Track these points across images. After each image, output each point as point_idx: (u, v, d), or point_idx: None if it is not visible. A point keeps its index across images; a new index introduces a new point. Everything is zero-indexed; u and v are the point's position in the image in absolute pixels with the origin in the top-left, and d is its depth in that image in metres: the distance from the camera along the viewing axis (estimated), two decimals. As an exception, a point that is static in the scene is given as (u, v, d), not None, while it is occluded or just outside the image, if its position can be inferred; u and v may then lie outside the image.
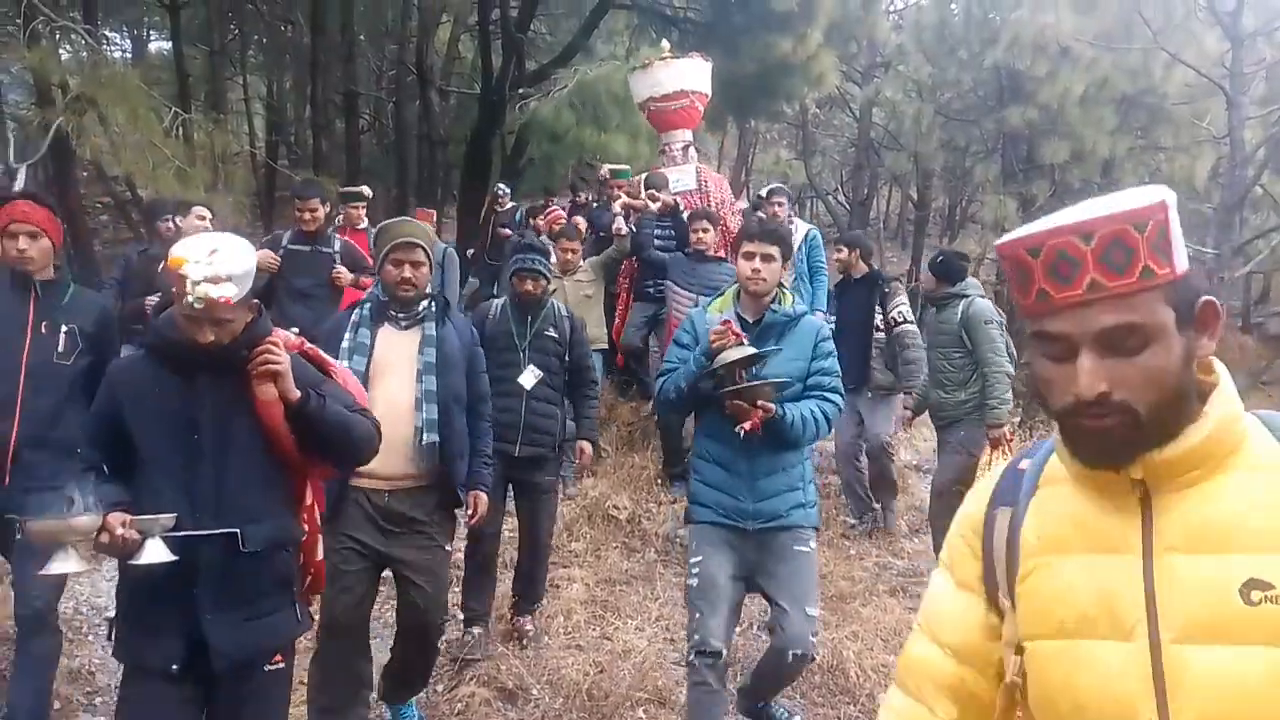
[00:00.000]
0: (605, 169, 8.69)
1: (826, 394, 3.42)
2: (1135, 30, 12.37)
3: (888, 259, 23.37)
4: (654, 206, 6.91)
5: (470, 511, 3.74)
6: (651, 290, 6.88)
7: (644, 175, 7.73)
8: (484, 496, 3.74)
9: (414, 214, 8.17)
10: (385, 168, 16.94)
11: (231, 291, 2.33)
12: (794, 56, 11.22)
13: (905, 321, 6.17)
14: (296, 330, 3.02)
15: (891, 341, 6.20)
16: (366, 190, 7.54)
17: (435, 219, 8.11)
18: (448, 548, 3.60)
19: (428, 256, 3.47)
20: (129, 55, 21.02)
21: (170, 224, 6.35)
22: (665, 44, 8.45)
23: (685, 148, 7.76)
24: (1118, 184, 14.83)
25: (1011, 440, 5.44)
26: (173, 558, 2.31)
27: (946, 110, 15.65)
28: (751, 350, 3.21)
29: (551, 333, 4.62)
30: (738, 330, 3.23)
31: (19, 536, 3.08)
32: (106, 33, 16.90)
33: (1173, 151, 13.90)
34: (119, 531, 2.27)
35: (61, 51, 8.56)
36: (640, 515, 6.11)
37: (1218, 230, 11.85)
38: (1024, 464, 1.32)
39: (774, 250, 3.39)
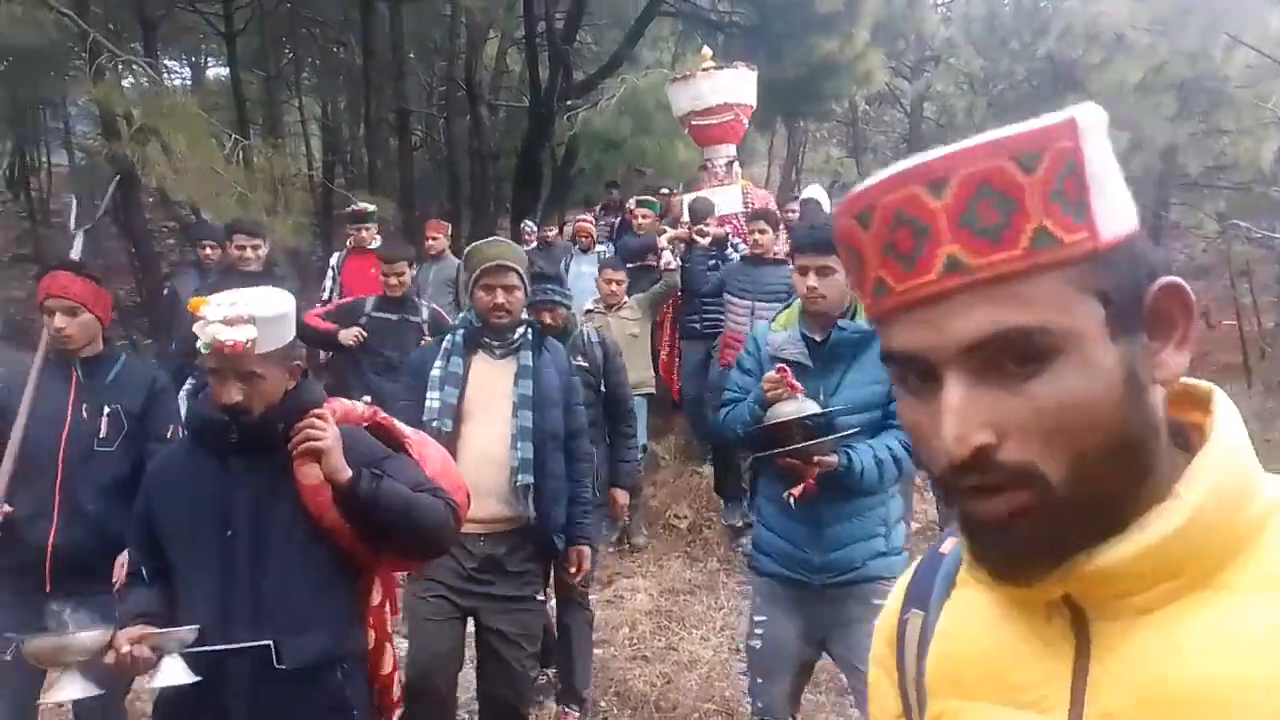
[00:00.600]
0: (633, 200, 8.29)
1: None
2: (1192, 13, 12.07)
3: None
4: (703, 241, 6.47)
5: (573, 569, 3.39)
6: (698, 326, 6.48)
7: (686, 197, 7.38)
8: (587, 551, 3.39)
9: (426, 226, 7.99)
10: (437, 183, 17.16)
11: (249, 335, 2.00)
12: (840, 56, 11.16)
13: None
14: (368, 399, 2.78)
15: None
16: (372, 208, 7.19)
17: (449, 231, 8.11)
18: (540, 597, 3.31)
19: (522, 280, 3.21)
20: (188, 83, 21.60)
21: (209, 250, 6.37)
22: (706, 51, 7.91)
23: (729, 164, 7.50)
24: (1180, 170, 14.52)
25: None
26: (193, 679, 1.98)
27: (999, 102, 15.40)
28: (809, 410, 2.76)
29: (581, 362, 4.20)
30: (793, 381, 2.78)
31: (6, 657, 2.57)
32: (166, 62, 17.39)
33: (1236, 135, 13.53)
34: (125, 649, 1.94)
35: (124, 83, 8.82)
36: (701, 524, 6.13)
37: (1287, 215, 11.49)
38: (946, 545, 0.89)
39: (830, 261, 2.86)
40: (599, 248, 8.21)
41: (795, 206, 7.80)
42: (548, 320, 4.29)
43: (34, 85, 15.03)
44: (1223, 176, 15.08)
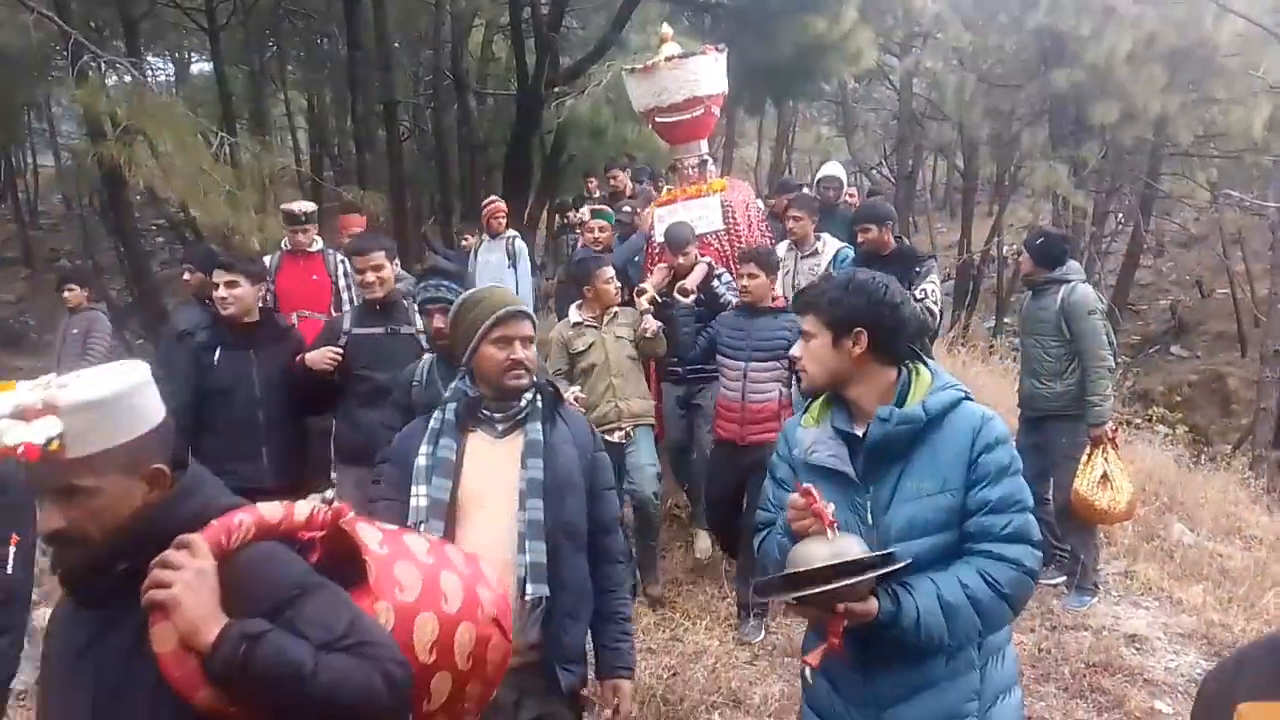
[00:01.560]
0: (586, 209, 7.49)
1: (999, 546, 2.04)
2: (1181, -18, 12.03)
3: (936, 230, 23.09)
4: (686, 300, 5.25)
5: (608, 712, 2.58)
6: (680, 370, 5.55)
7: (658, 212, 6.23)
8: (626, 687, 2.60)
9: (339, 220, 7.26)
10: (427, 174, 17.09)
11: (50, 433, 1.41)
12: (829, 35, 11.08)
13: (929, 299, 5.15)
14: (329, 496, 2.41)
15: None
16: (310, 206, 6.26)
17: (367, 223, 7.48)
18: None
19: (534, 325, 2.61)
20: (172, 78, 21.47)
21: (189, 274, 6.11)
22: (666, 30, 6.63)
23: (702, 163, 6.37)
24: (1171, 141, 14.49)
25: (1115, 437, 5.13)
26: None
27: (989, 77, 15.37)
28: (846, 554, 1.96)
29: None
30: (820, 508, 2.01)
31: None
32: (150, 59, 17.26)
33: (1227, 104, 13.51)
34: None
35: (108, 82, 8.75)
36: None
37: (1278, 183, 11.47)
38: None
39: (808, 324, 2.25)
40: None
41: (787, 198, 6.76)
42: (437, 324, 3.76)
43: (18, 87, 14.94)
44: (1214, 145, 15.07)
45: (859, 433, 2.15)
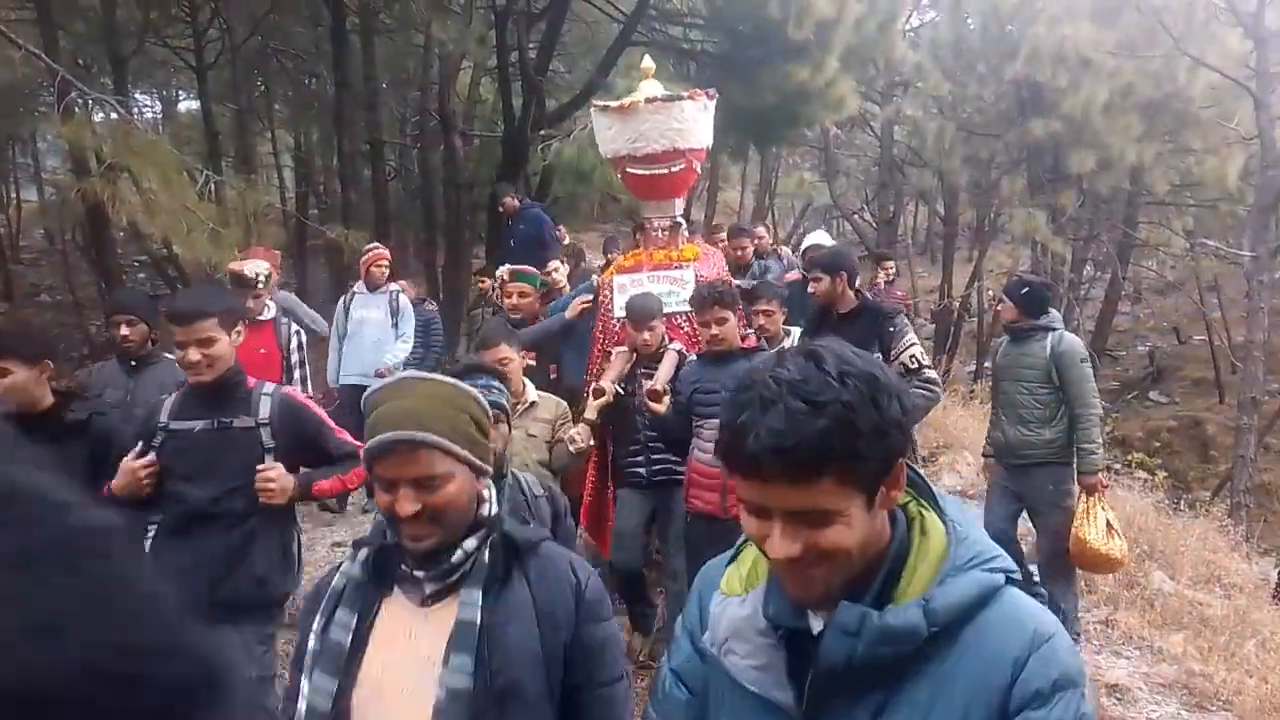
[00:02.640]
0: (505, 269, 6.32)
1: None
2: (1157, 36, 12.29)
3: (917, 274, 23.27)
4: (659, 410, 4.23)
5: None
6: (643, 472, 4.70)
7: (618, 282, 5.25)
8: None
9: (249, 251, 6.55)
10: (413, 213, 17.14)
11: None
12: (812, 83, 11.23)
13: (924, 366, 4.65)
14: None
15: None
16: (262, 266, 5.58)
17: (279, 260, 7.05)
18: None
19: (454, 454, 1.68)
20: (160, 116, 21.52)
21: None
22: (648, 65, 5.63)
23: (674, 226, 5.36)
24: (1148, 189, 14.72)
25: (1107, 487, 5.18)
26: None
27: (969, 125, 15.61)
28: None
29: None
30: None
31: None
32: (137, 95, 17.33)
33: (1202, 154, 13.78)
34: None
35: (95, 118, 8.77)
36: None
37: (1253, 232, 11.66)
38: None
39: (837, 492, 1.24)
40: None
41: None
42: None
43: (3, 122, 14.94)
44: (1189, 194, 15.33)
45: (814, 629, 1.25)
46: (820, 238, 7.47)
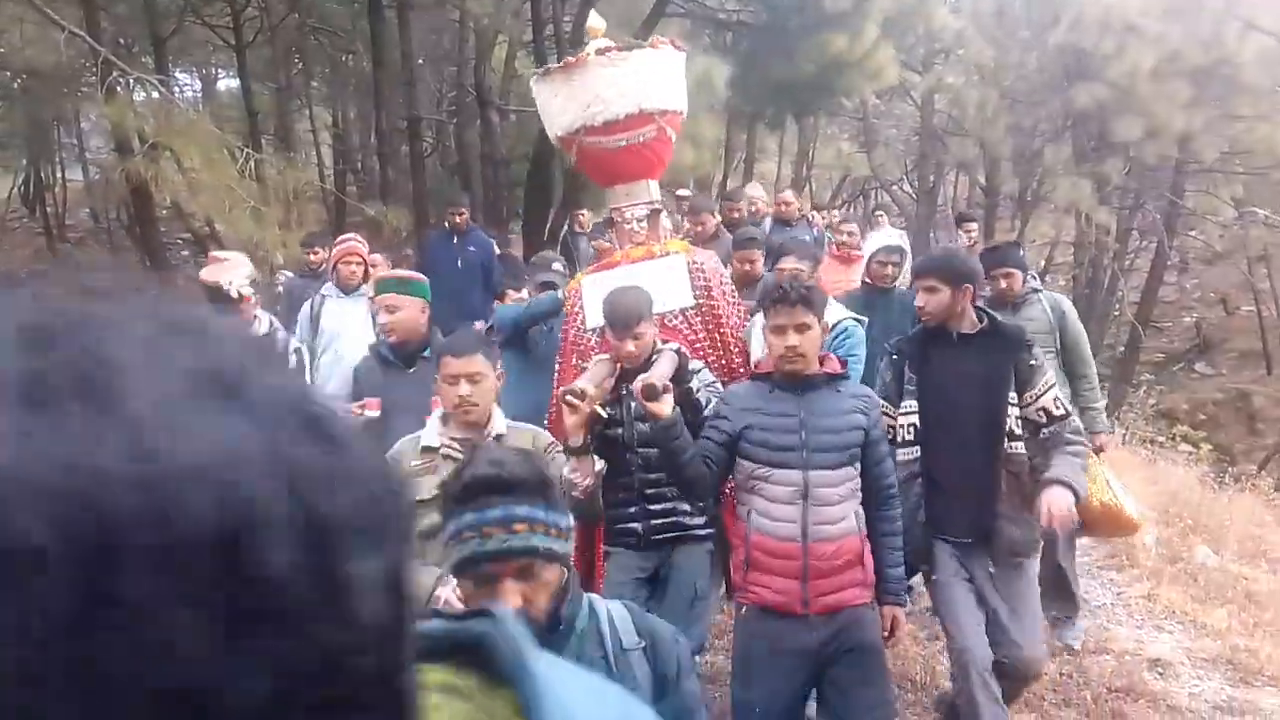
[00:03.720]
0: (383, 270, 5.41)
1: None
2: (1205, 0, 11.98)
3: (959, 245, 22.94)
4: (661, 413, 3.04)
5: None
6: (638, 526, 3.56)
7: (579, 287, 4.27)
8: None
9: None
10: (450, 190, 17.19)
11: None
12: (851, 52, 11.10)
13: (1065, 414, 3.47)
14: None
15: (1035, 449, 3.45)
16: (243, 271, 4.69)
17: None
18: None
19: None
20: (199, 95, 21.73)
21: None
22: (597, 24, 4.47)
23: (652, 214, 4.35)
24: (1196, 157, 14.40)
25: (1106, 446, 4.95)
26: None
27: (1011, 93, 15.34)
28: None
29: None
30: None
31: None
32: (177, 75, 17.50)
33: (1252, 121, 13.45)
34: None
35: (136, 98, 8.89)
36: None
37: (1305, 200, 11.38)
38: None
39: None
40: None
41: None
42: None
43: (48, 103, 15.16)
44: (1239, 162, 14.97)
45: None
46: (891, 238, 5.65)
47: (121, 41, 13.97)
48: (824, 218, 10.16)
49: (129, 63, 9.25)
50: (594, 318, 3.95)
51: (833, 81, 11.92)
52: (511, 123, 16.31)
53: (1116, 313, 17.33)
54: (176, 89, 14.57)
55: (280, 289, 7.12)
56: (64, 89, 14.35)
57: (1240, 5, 11.76)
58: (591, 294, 4.04)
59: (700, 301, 4.09)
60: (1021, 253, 5.34)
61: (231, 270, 4.46)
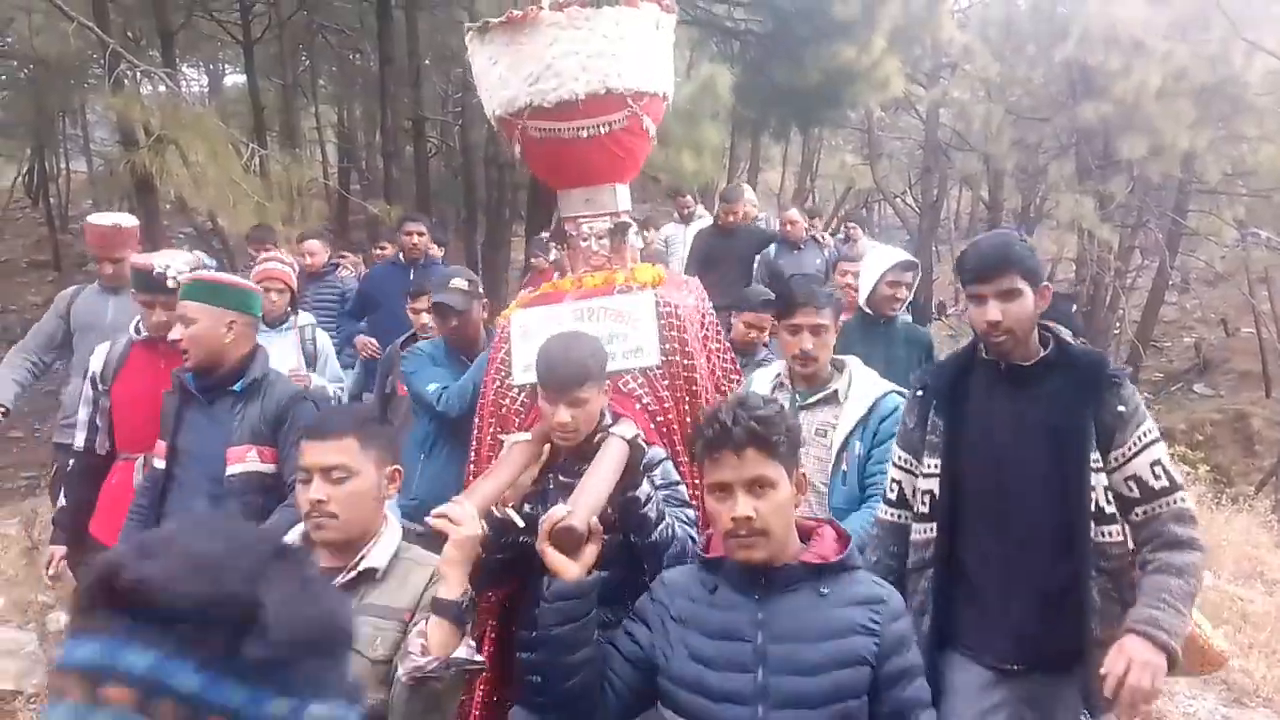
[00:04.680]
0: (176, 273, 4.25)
1: None
2: (1212, 19, 12.00)
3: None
4: (566, 567, 2.01)
5: None
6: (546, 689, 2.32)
7: (509, 324, 3.31)
8: None
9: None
10: (453, 190, 17.20)
11: None
12: (858, 63, 11.09)
13: (1171, 486, 2.40)
14: None
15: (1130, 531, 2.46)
16: (181, 258, 3.68)
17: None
18: None
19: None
20: (206, 89, 21.76)
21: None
22: None
23: (618, 229, 3.38)
24: (1199, 177, 14.41)
25: None
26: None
27: (1016, 108, 15.35)
28: None
29: None
30: None
31: None
32: (185, 69, 17.51)
33: (1257, 141, 13.45)
34: None
35: (143, 91, 8.88)
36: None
37: (1308, 222, 11.39)
38: None
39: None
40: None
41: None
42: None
43: (54, 93, 15.17)
44: (1242, 183, 14.98)
45: None
46: (900, 252, 4.72)
47: (130, 34, 13.98)
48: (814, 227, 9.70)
49: (137, 55, 9.25)
50: (523, 370, 3.08)
51: (838, 91, 11.92)
52: (517, 125, 16.35)
53: (1117, 331, 17.31)
54: (184, 83, 14.60)
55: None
56: (71, 80, 14.36)
57: (1247, 26, 11.78)
58: (523, 336, 3.12)
59: (670, 359, 3.10)
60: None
61: (170, 256, 3.60)
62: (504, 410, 3.19)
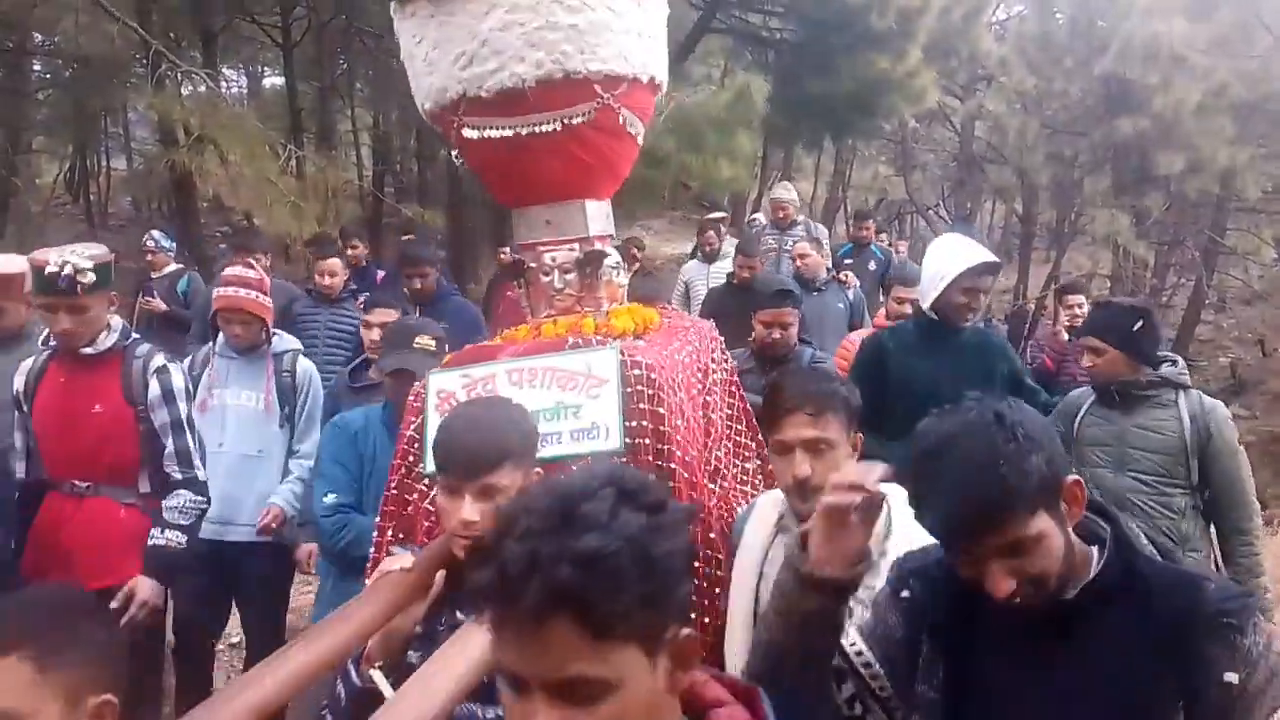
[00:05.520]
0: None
1: None
2: (1254, 34, 11.86)
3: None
4: None
5: None
6: None
7: (427, 391, 2.48)
8: None
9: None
10: (486, 195, 17.30)
11: None
12: (893, 73, 11.08)
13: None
14: None
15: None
16: (87, 252, 3.00)
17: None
18: None
19: None
20: (245, 91, 22.04)
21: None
22: None
23: (589, 259, 2.65)
24: (1238, 195, 14.22)
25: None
26: None
27: (1052, 122, 15.22)
28: None
29: None
30: None
31: None
32: (225, 70, 17.75)
33: (1298, 159, 13.28)
34: None
35: (183, 92, 9.03)
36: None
37: (1349, 242, 11.22)
38: None
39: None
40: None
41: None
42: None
43: (97, 92, 15.41)
44: (1282, 202, 14.79)
45: None
46: (979, 249, 3.75)
47: (172, 35, 14.19)
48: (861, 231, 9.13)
49: (178, 56, 9.41)
50: (430, 463, 2.19)
51: (872, 102, 11.89)
52: (550, 131, 16.43)
53: (1151, 348, 17.11)
54: (224, 84, 14.79)
55: None
56: (113, 79, 14.57)
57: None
58: (439, 406, 2.37)
59: (637, 442, 2.27)
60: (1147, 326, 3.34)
61: (70, 252, 2.94)
62: (409, 508, 2.40)
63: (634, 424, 2.30)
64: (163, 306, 6.74)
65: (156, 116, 10.00)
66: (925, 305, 3.65)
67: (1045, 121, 15.08)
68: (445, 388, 2.42)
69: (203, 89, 8.80)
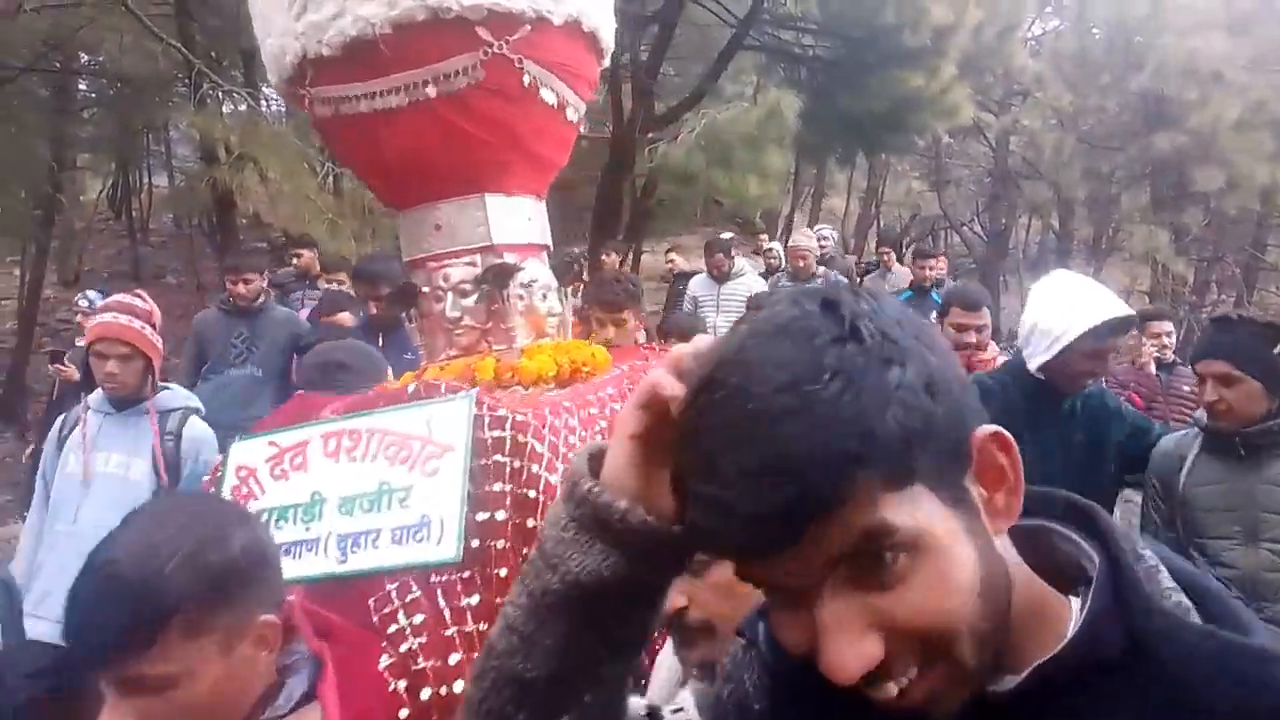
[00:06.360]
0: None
1: None
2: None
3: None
4: None
5: None
6: None
7: (225, 471, 1.91)
8: None
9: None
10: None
11: None
12: (926, 90, 11.05)
13: None
14: None
15: None
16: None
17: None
18: None
19: None
20: (284, 109, 22.35)
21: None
22: None
23: (492, 279, 2.08)
24: (1278, 211, 14.03)
25: None
26: None
27: (1089, 138, 15.11)
28: None
29: None
30: None
31: None
32: (265, 89, 18.04)
33: (1340, 176, 13.07)
34: None
35: (224, 110, 9.21)
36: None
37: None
38: None
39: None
40: None
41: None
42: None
43: (140, 111, 15.71)
44: (1324, 218, 14.57)
45: None
46: (1116, 300, 2.97)
47: (213, 55, 14.45)
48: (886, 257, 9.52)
49: (220, 75, 9.59)
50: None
51: (906, 118, 11.87)
52: (581, 148, 16.49)
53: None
54: (264, 103, 15.04)
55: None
56: (156, 98, 14.85)
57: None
58: (239, 494, 1.84)
59: (487, 544, 1.59)
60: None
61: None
62: None
63: (486, 516, 1.57)
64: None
65: (198, 135, 10.18)
66: (1032, 366, 2.80)
67: (1081, 137, 14.98)
68: (246, 463, 1.80)
69: (243, 108, 8.96)
